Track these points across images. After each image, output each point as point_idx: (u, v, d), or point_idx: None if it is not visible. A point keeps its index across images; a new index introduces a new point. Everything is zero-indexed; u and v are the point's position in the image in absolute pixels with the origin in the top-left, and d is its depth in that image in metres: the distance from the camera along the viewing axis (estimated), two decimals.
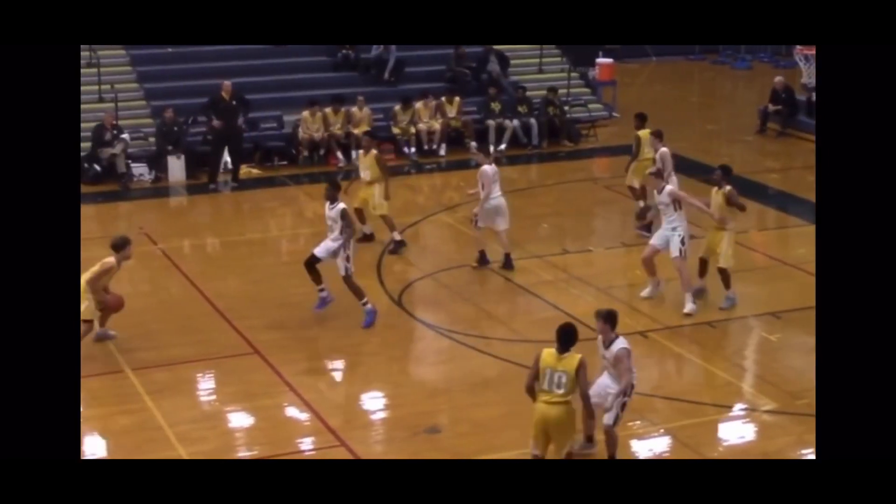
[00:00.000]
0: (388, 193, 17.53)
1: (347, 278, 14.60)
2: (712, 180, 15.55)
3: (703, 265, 15.45)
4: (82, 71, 21.28)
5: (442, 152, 23.91)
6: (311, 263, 14.70)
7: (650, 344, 14.20)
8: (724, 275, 15.27)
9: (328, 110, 23.14)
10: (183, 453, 11.55)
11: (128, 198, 21.16)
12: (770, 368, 13.87)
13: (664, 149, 17.77)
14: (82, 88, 20.81)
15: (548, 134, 24.88)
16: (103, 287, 13.58)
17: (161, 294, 16.14)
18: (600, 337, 11.10)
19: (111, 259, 13.50)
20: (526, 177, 23.27)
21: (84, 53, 22.61)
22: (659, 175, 15.78)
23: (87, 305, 13.24)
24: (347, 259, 14.51)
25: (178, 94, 23.23)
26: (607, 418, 11.00)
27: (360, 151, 18.11)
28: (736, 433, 12.49)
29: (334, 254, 14.52)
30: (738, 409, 12.90)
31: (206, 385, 13.52)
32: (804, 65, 27.54)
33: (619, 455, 11.20)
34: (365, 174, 17.69)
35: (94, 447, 11.72)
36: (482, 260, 16.96)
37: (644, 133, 18.63)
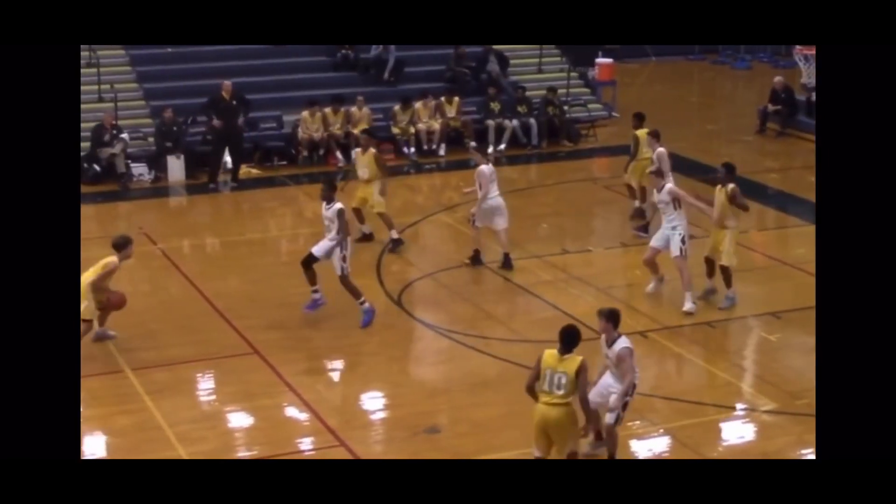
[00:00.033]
0: (384, 190, 17.55)
1: (344, 278, 14.59)
2: (716, 178, 15.55)
3: (710, 265, 15.44)
4: (82, 71, 21.27)
5: (441, 152, 23.90)
6: (309, 263, 14.69)
7: (650, 344, 14.19)
8: (726, 273, 15.27)
9: (328, 110, 23.14)
10: (182, 453, 11.55)
11: (127, 198, 21.16)
12: (769, 368, 13.87)
13: (661, 149, 17.80)
14: (82, 88, 20.79)
15: (547, 134, 24.87)
16: (105, 286, 13.61)
17: (161, 294, 16.13)
18: (603, 336, 11.09)
19: (114, 259, 13.52)
20: (525, 177, 23.28)
21: (84, 53, 22.60)
22: (659, 174, 15.79)
23: (86, 305, 13.24)
24: (344, 259, 14.50)
25: (178, 94, 23.22)
26: (609, 417, 10.99)
27: (358, 150, 18.09)
28: (736, 433, 12.49)
29: (331, 253, 14.52)
30: (737, 409, 12.90)
31: (205, 385, 13.52)
32: (804, 65, 27.55)
33: (619, 455, 11.20)
34: (363, 172, 17.69)
35: (93, 447, 11.72)
36: (475, 259, 16.98)
37: (642, 133, 18.67)
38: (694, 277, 15.38)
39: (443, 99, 24.38)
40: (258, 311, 15.17)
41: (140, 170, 21.93)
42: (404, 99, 23.96)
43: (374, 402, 13.22)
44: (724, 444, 12.22)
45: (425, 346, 14.83)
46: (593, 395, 11.15)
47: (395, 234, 17.76)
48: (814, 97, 25.75)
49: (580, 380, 10.20)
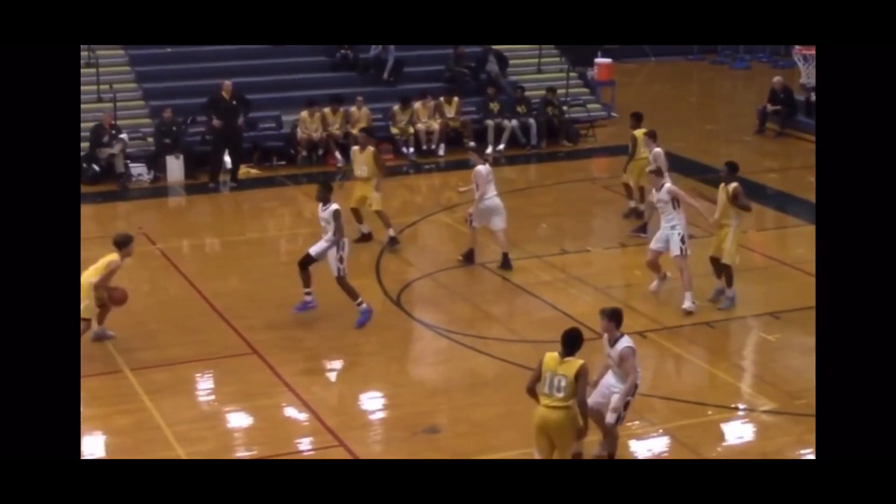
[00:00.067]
0: (379, 186, 17.56)
1: (341, 279, 14.58)
2: (719, 177, 15.56)
3: (716, 264, 15.43)
4: (81, 71, 21.27)
5: (441, 152, 23.91)
6: (306, 263, 14.69)
7: (649, 344, 14.19)
8: (727, 271, 15.26)
9: (327, 110, 23.14)
10: (181, 453, 11.55)
11: (126, 198, 21.17)
12: (769, 368, 13.87)
13: (657, 149, 17.87)
14: (81, 88, 20.78)
15: (546, 134, 24.87)
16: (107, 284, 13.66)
17: (160, 294, 16.13)
18: (605, 335, 11.09)
19: (116, 258, 13.57)
20: (524, 177, 23.28)
21: (83, 53, 22.60)
22: (659, 173, 15.79)
23: (87, 304, 13.27)
24: (341, 260, 14.48)
25: (177, 94, 23.23)
26: (610, 417, 10.98)
27: (356, 148, 18.08)
28: (735, 433, 12.49)
29: (328, 254, 14.49)
30: (736, 409, 12.90)
31: (204, 385, 13.52)
32: (803, 65, 27.56)
33: (618, 455, 11.19)
34: (362, 170, 17.69)
35: (92, 447, 11.71)
36: (468, 257, 17.00)
37: (640, 132, 18.72)
38: (701, 278, 15.40)
39: (442, 99, 24.38)
40: (257, 311, 15.17)
41: (139, 170, 21.93)
42: (403, 99, 23.96)
43: (373, 402, 13.22)
44: (723, 444, 12.22)
45: (424, 346, 14.83)
46: (595, 396, 11.15)
47: (392, 232, 17.78)
48: (813, 97, 25.77)
49: (579, 383, 10.17)
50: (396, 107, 23.87)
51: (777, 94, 26.27)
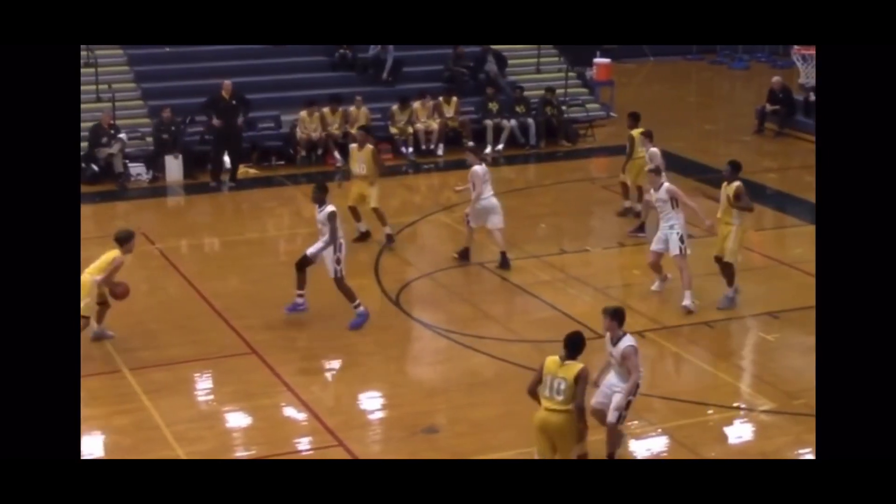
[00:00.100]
0: (373, 181, 17.56)
1: (338, 280, 14.56)
2: (721, 176, 15.55)
3: (720, 263, 15.40)
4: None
5: (440, 152, 23.90)
6: (303, 265, 14.67)
7: (648, 344, 14.18)
8: (729, 270, 15.25)
9: (326, 110, 23.14)
10: (180, 453, 11.55)
11: (125, 197, 21.16)
12: (768, 368, 13.88)
13: (654, 149, 17.92)
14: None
15: (545, 134, 24.87)
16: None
17: (159, 294, 16.12)
18: (607, 334, 11.09)
19: (119, 255, 13.61)
20: (523, 177, 23.28)
21: (81, 53, 22.57)
22: (658, 172, 15.80)
23: (87, 302, 13.31)
24: (338, 261, 14.46)
25: (176, 94, 23.22)
26: (611, 416, 10.98)
27: (354, 146, 18.07)
28: (734, 433, 12.49)
29: (325, 256, 14.45)
30: (735, 409, 12.90)
31: (203, 385, 13.52)
32: (802, 65, 27.57)
33: (617, 455, 11.19)
34: (360, 168, 17.70)
35: (91, 447, 11.70)
36: (463, 255, 17.03)
37: (637, 132, 18.74)
38: (701, 278, 15.43)
39: (441, 99, 24.37)
40: (256, 310, 15.17)
41: (138, 169, 21.92)
42: (402, 99, 23.96)
43: (372, 402, 13.22)
44: (722, 443, 12.22)
45: (423, 346, 14.83)
46: (598, 396, 11.16)
47: (387, 230, 17.79)
48: (812, 97, 25.79)
49: (579, 386, 10.14)
50: (395, 107, 23.87)
51: (776, 93, 26.28)
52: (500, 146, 24.35)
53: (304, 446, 12.04)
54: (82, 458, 10.80)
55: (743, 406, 12.98)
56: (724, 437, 12.38)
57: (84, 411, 11.14)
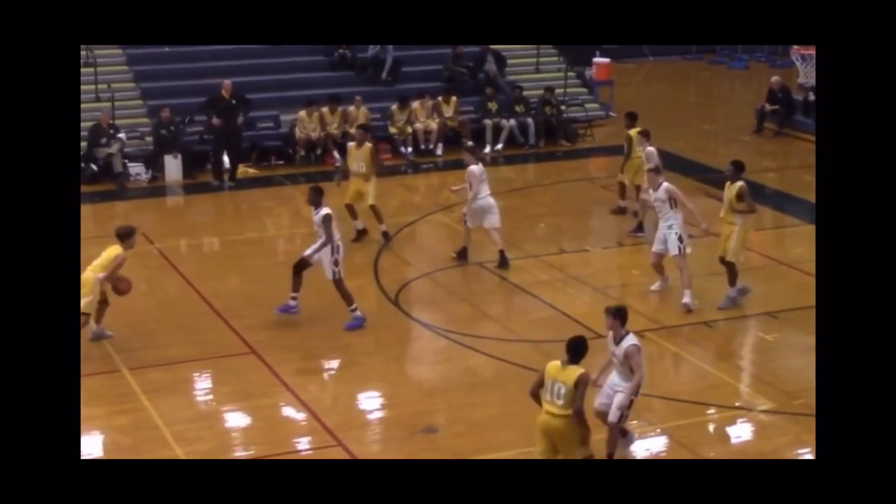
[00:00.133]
0: (369, 178, 17.56)
1: (337, 282, 14.53)
2: (724, 176, 15.54)
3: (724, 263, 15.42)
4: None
5: (439, 152, 23.90)
6: (300, 268, 14.65)
7: (648, 344, 14.13)
8: (730, 269, 15.23)
9: (325, 110, 23.14)
10: (180, 453, 11.54)
11: (124, 197, 21.14)
12: (767, 368, 13.88)
13: (650, 148, 17.93)
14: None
15: (545, 134, 24.88)
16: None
17: (158, 294, 16.12)
18: (610, 333, 11.07)
19: (122, 252, 13.63)
20: (523, 176, 23.28)
21: (81, 53, 22.58)
22: (657, 172, 15.79)
23: (90, 300, 13.35)
24: (336, 263, 14.43)
25: (175, 94, 23.22)
26: (613, 415, 10.97)
27: (352, 144, 18.06)
28: (733, 433, 12.50)
29: (323, 258, 14.43)
30: (735, 408, 12.90)
31: (202, 385, 13.51)
32: (801, 64, 27.59)
33: (617, 454, 11.18)
34: (359, 167, 17.70)
35: (90, 447, 11.69)
36: (462, 255, 17.04)
37: (634, 132, 18.76)
38: (701, 278, 15.43)
39: (440, 98, 24.37)
40: (256, 310, 15.15)
41: (137, 169, 21.92)
42: (402, 98, 23.96)
43: (371, 402, 13.22)
44: (722, 443, 12.23)
45: (422, 346, 14.83)
46: (601, 398, 11.15)
47: (384, 227, 17.80)
48: (811, 97, 25.80)
49: (578, 391, 10.06)
50: (394, 106, 23.87)
51: (775, 93, 26.28)
52: (500, 146, 24.36)
53: (303, 446, 12.04)
54: (82, 458, 10.84)
55: (742, 406, 12.97)
56: (724, 437, 12.39)
57: (83, 411, 11.13)
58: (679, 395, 12.97)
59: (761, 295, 15.90)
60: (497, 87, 25.25)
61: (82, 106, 21.26)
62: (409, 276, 16.81)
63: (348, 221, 17.50)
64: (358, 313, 14.65)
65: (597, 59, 28.96)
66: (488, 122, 24.41)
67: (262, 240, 19.15)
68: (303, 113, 22.96)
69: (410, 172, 23.06)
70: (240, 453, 11.84)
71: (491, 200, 16.76)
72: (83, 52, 22.83)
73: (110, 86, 23.24)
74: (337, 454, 11.57)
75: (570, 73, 27.20)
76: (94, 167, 21.33)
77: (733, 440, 12.35)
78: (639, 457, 11.71)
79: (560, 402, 10.09)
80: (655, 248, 15.52)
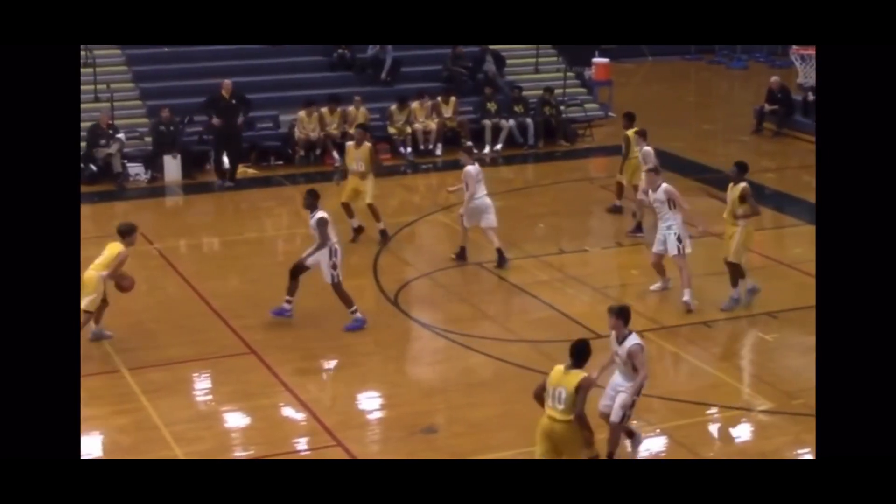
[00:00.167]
0: (366, 176, 17.55)
1: (336, 286, 14.50)
2: (728, 176, 15.54)
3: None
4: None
5: (438, 152, 23.90)
6: (297, 272, 14.62)
7: (647, 344, 14.09)
8: (732, 269, 15.22)
9: (324, 110, 23.13)
10: (179, 453, 11.54)
11: (124, 197, 21.14)
12: (766, 368, 13.88)
13: (647, 148, 17.95)
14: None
15: (544, 134, 24.88)
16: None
17: (157, 294, 16.11)
18: (613, 333, 11.06)
19: (123, 249, 13.66)
20: (522, 177, 23.28)
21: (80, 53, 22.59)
22: (656, 171, 15.78)
23: (93, 298, 13.37)
24: (334, 266, 14.40)
25: (174, 94, 23.22)
26: (615, 415, 10.96)
27: (351, 144, 18.06)
28: (732, 433, 12.50)
29: (321, 261, 14.41)
30: (734, 409, 12.90)
31: (202, 385, 13.51)
32: (800, 64, 27.60)
33: (617, 454, 11.18)
34: (358, 166, 17.70)
35: (90, 447, 11.69)
36: (460, 255, 17.05)
37: (631, 132, 18.78)
38: (700, 277, 15.43)
39: (439, 99, 24.36)
40: (255, 310, 15.15)
41: (136, 169, 21.91)
42: (401, 99, 23.96)
43: (370, 402, 13.22)
44: (721, 443, 12.23)
45: (422, 346, 14.83)
46: (604, 399, 11.13)
47: (381, 226, 17.80)
48: (810, 97, 25.80)
49: (579, 396, 10.00)
50: (394, 106, 23.87)
51: (774, 93, 26.29)
52: (499, 146, 24.36)
53: (302, 446, 12.04)
54: (82, 458, 10.84)
55: (742, 406, 12.97)
56: (724, 437, 12.39)
57: (83, 411, 11.15)
58: (679, 395, 12.97)
59: (761, 295, 15.89)
60: (496, 88, 25.26)
61: (82, 106, 21.26)
62: (408, 277, 16.81)
63: (345, 221, 17.50)
64: (358, 315, 14.65)
65: (596, 60, 28.97)
66: (487, 122, 24.42)
67: (262, 240, 19.15)
68: (302, 113, 22.95)
69: (409, 173, 23.06)
70: (239, 453, 11.84)
71: (487, 200, 16.77)
72: (83, 53, 22.81)
73: (109, 86, 23.24)
74: (336, 454, 11.57)
75: (569, 74, 27.20)
76: (94, 167, 21.33)
77: (733, 440, 12.35)
78: (638, 457, 11.71)
79: (561, 407, 10.02)
80: (655, 248, 15.52)
